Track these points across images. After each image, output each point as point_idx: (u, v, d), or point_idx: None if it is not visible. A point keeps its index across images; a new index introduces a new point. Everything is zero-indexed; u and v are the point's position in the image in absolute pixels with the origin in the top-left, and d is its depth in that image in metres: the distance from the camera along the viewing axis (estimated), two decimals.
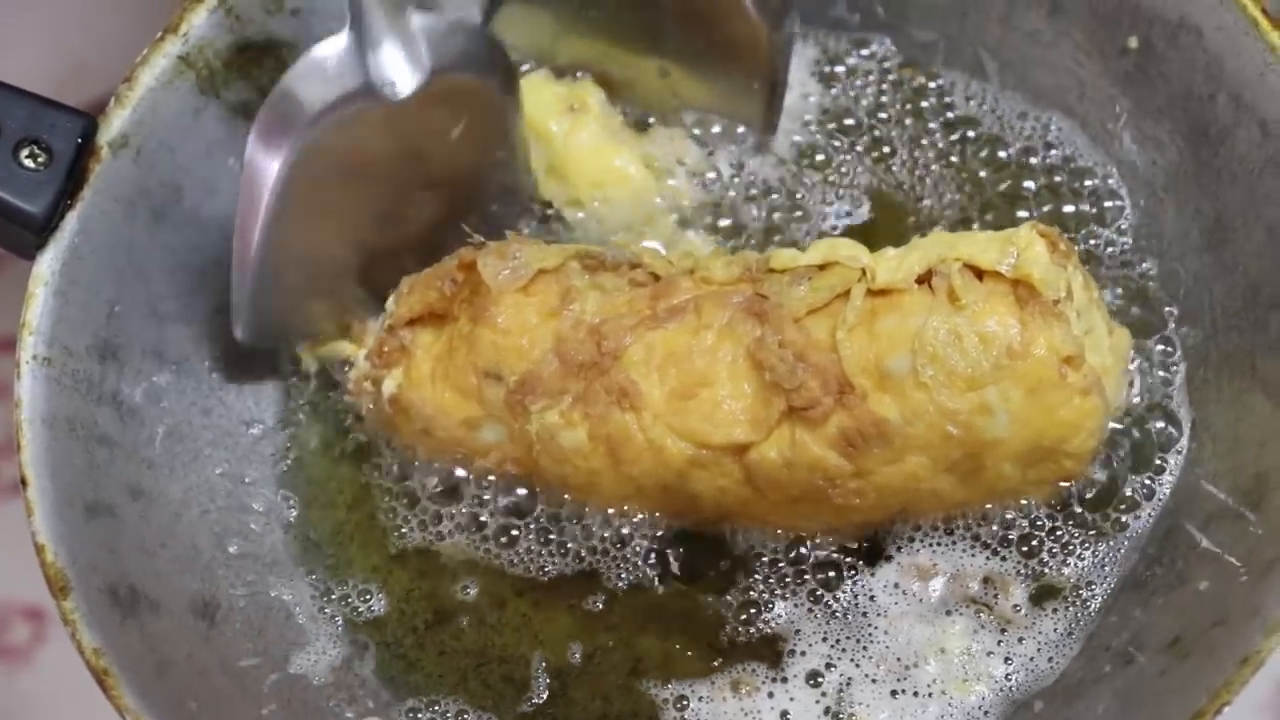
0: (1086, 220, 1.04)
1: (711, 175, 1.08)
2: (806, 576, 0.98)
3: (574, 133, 1.06)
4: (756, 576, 0.98)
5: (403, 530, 1.02)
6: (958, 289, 0.90)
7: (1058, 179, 1.06)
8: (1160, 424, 0.99)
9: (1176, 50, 0.98)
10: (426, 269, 1.00)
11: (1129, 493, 0.98)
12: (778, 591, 0.98)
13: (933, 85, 1.09)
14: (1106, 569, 0.97)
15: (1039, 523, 0.98)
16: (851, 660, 0.96)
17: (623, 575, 0.99)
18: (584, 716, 0.97)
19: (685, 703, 0.97)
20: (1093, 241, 1.04)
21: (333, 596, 1.01)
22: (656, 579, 0.99)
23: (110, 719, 0.87)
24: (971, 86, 1.08)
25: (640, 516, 0.99)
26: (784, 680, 0.96)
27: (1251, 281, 0.97)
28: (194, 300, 1.02)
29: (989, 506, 0.97)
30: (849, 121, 1.09)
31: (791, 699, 0.96)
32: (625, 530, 0.99)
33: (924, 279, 0.92)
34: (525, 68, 1.08)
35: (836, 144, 1.09)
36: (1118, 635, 0.95)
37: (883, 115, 1.09)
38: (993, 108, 1.08)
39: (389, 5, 0.92)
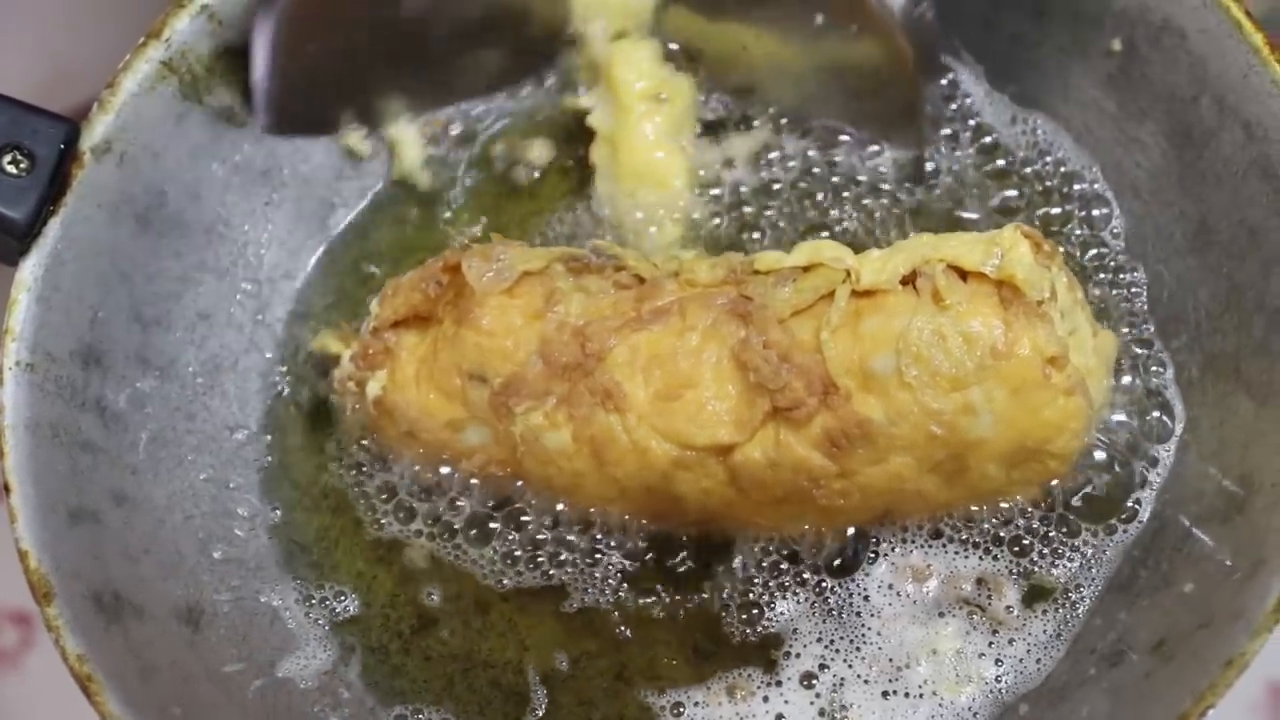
0: (1071, 222, 1.05)
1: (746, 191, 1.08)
2: (806, 577, 0.98)
3: (646, 118, 1.06)
4: (755, 578, 0.98)
5: (386, 535, 1.01)
6: (942, 290, 0.90)
7: (1042, 182, 1.06)
8: (1147, 427, 0.99)
9: (1160, 53, 0.98)
10: (410, 272, 1.00)
11: (1116, 495, 0.98)
12: (776, 593, 0.98)
13: None
14: (1094, 571, 0.97)
15: (1032, 526, 0.98)
16: (845, 661, 0.96)
17: (609, 580, 0.99)
18: None
19: (681, 709, 0.97)
20: (1076, 243, 1.04)
21: (315, 601, 1.00)
22: (644, 584, 0.99)
23: None
24: (957, 89, 1.08)
25: (626, 520, 0.99)
26: (778, 684, 0.96)
27: (1235, 284, 0.97)
28: (177, 305, 1.02)
29: (976, 508, 0.97)
30: None
31: (786, 702, 0.96)
32: (612, 535, 0.99)
33: (908, 280, 0.92)
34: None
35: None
36: (1103, 637, 0.95)
37: None
38: (978, 110, 1.08)
39: None
